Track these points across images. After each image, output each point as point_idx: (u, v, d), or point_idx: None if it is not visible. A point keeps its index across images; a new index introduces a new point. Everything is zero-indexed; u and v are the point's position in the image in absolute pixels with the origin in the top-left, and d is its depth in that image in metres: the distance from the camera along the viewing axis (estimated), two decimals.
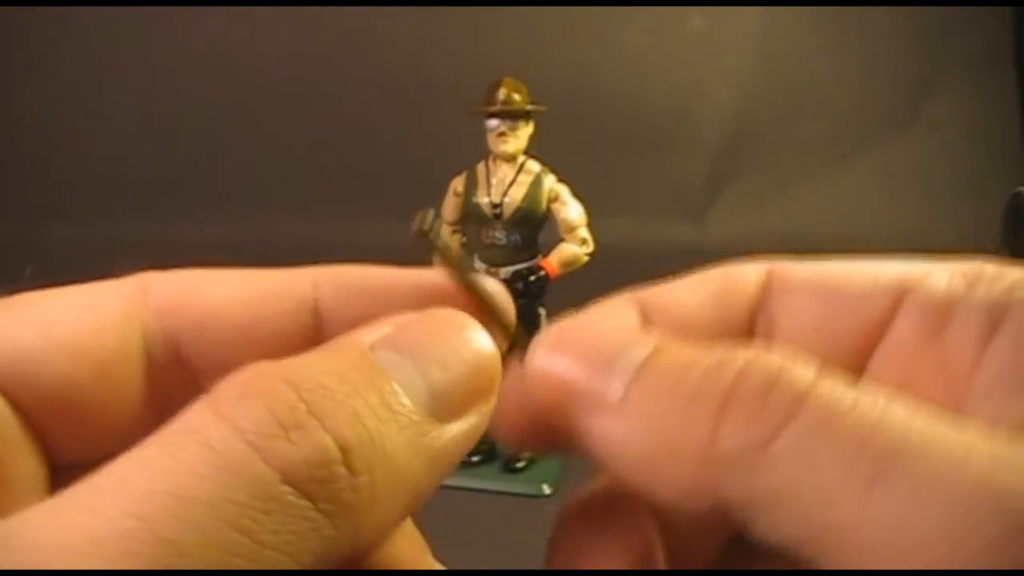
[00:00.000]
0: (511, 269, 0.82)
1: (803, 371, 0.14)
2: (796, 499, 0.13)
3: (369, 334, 0.16)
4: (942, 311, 0.17)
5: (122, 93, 1.51)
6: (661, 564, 0.18)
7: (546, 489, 0.81)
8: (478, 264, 0.83)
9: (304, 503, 0.13)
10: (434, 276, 0.19)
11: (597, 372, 0.16)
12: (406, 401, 0.15)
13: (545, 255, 0.81)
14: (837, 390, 0.14)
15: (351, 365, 0.15)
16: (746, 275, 0.20)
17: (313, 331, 0.18)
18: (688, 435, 0.15)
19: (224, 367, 0.16)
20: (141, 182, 1.49)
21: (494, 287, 0.19)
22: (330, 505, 0.13)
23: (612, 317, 0.20)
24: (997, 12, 1.47)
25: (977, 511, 0.12)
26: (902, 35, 1.48)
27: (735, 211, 1.48)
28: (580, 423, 0.16)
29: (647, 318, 0.20)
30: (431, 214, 0.18)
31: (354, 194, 1.42)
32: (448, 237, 0.18)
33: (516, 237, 0.81)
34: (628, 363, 0.16)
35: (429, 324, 0.16)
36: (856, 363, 0.19)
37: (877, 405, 0.14)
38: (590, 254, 0.81)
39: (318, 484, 0.13)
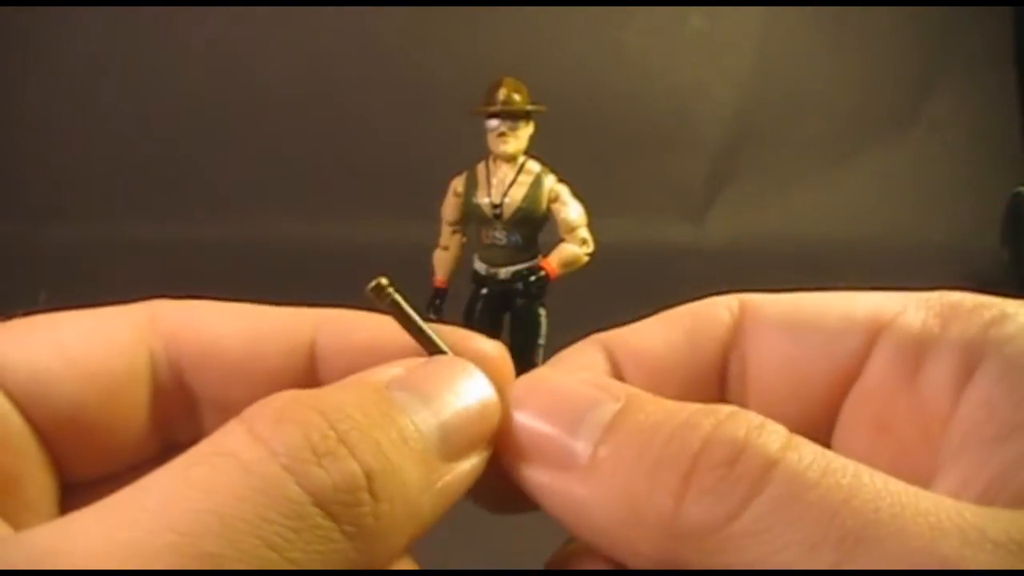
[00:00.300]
0: (511, 269, 0.82)
1: (770, 439, 0.14)
2: None
3: (382, 374, 0.17)
4: (917, 351, 0.17)
5: (122, 93, 1.51)
6: None
7: None
8: (479, 265, 0.83)
9: (331, 524, 0.14)
10: (447, 332, 0.19)
11: (565, 431, 0.16)
12: (420, 438, 0.16)
13: (545, 255, 0.81)
14: (804, 460, 0.14)
15: (371, 400, 0.16)
16: (717, 313, 0.20)
17: (309, 372, 0.19)
18: (652, 505, 0.14)
19: (223, 398, 0.18)
20: (141, 182, 1.49)
21: (460, 338, 0.19)
22: (353, 528, 0.14)
23: (582, 364, 0.20)
24: (997, 12, 1.47)
25: None
26: (902, 35, 1.48)
27: (735, 211, 1.48)
28: (547, 485, 0.16)
29: (616, 362, 0.20)
30: (384, 281, 0.18)
31: (354, 194, 1.42)
32: (402, 299, 0.18)
33: (516, 237, 0.81)
34: (596, 422, 0.16)
35: (438, 369, 0.17)
36: (830, 403, 0.18)
37: (846, 475, 0.13)
38: (590, 254, 0.81)
39: (345, 508, 0.14)
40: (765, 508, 0.13)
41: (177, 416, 0.19)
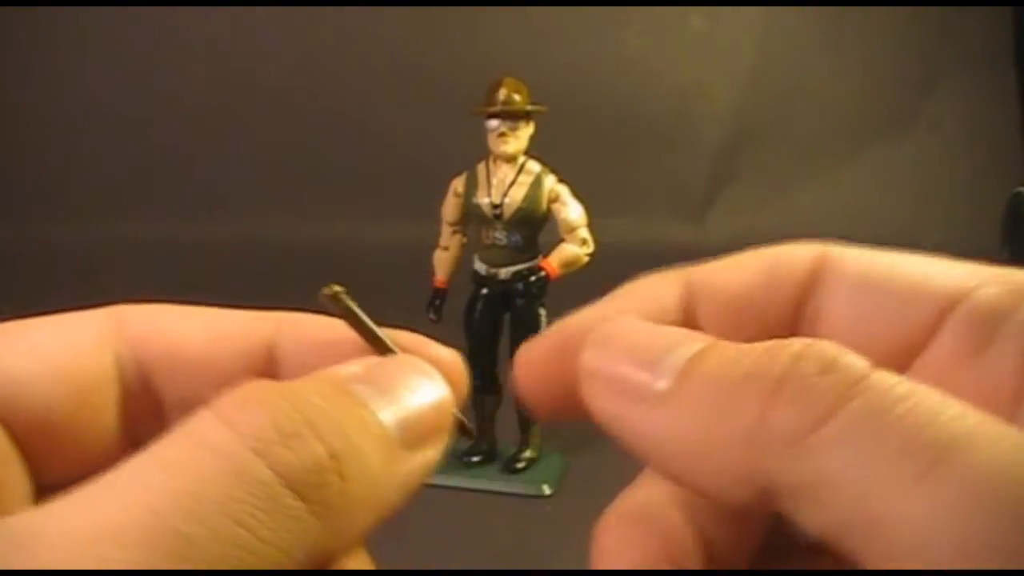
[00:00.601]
0: (511, 269, 0.82)
1: (858, 360, 0.14)
2: (841, 487, 0.13)
3: (342, 371, 0.18)
4: (987, 327, 0.17)
5: (121, 93, 1.51)
6: (694, 565, 0.18)
7: (546, 489, 0.81)
8: (479, 265, 0.83)
9: (299, 504, 0.14)
10: (400, 336, 0.20)
11: (645, 365, 0.16)
12: (380, 425, 0.16)
13: (545, 255, 0.81)
14: (893, 379, 0.14)
15: (332, 391, 0.16)
16: (797, 259, 0.20)
17: (267, 372, 0.20)
18: (737, 418, 0.14)
19: (188, 397, 0.19)
20: (141, 182, 1.49)
21: (415, 343, 0.20)
22: (321, 507, 0.14)
23: (654, 288, 0.20)
24: (997, 12, 1.47)
25: None
26: (902, 35, 1.48)
27: (735, 211, 1.48)
28: (624, 415, 0.16)
29: (692, 296, 0.20)
30: (337, 288, 0.19)
31: (354, 194, 1.42)
32: (354, 305, 0.19)
33: (516, 237, 0.81)
34: (679, 356, 0.16)
35: (395, 366, 0.18)
36: (897, 366, 0.18)
37: (933, 397, 0.14)
38: (590, 254, 0.81)
39: (313, 487, 0.14)
40: (853, 417, 0.14)
41: (145, 417, 0.20)
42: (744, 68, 1.48)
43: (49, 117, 1.51)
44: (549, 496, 0.81)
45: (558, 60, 1.39)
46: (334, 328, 0.20)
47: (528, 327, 0.81)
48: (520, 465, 0.83)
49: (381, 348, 0.19)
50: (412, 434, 0.17)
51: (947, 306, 0.18)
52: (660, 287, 0.20)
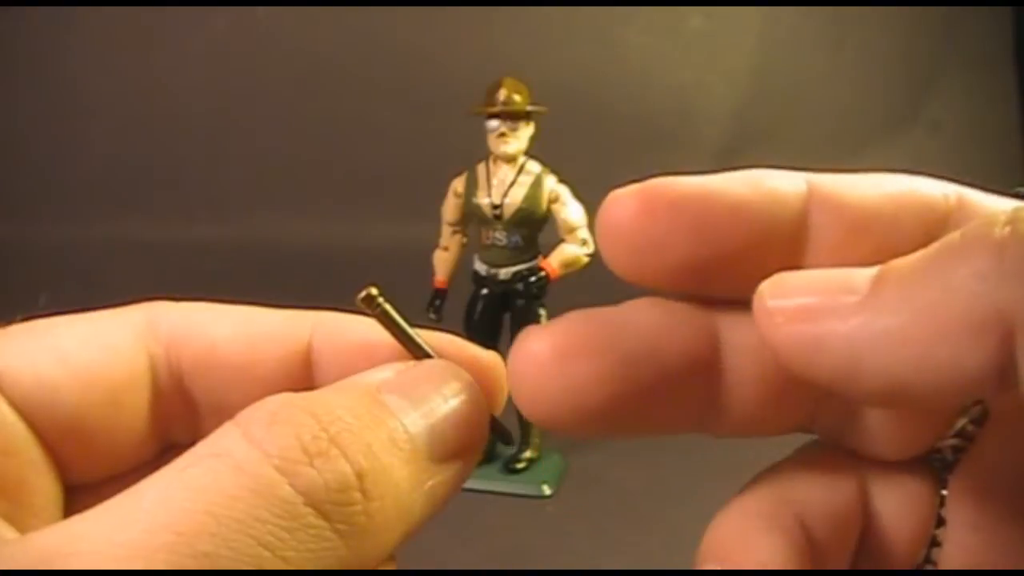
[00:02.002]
0: (511, 270, 0.82)
1: None
2: None
3: (373, 376, 0.17)
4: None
5: (121, 93, 1.51)
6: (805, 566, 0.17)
7: (546, 489, 0.81)
8: (479, 266, 0.83)
9: (323, 523, 0.14)
10: (438, 339, 0.20)
11: (833, 290, 0.15)
12: (408, 439, 0.16)
13: (545, 256, 0.81)
14: None
15: (362, 403, 0.16)
16: (933, 193, 0.18)
17: (304, 375, 0.20)
18: (960, 279, 0.13)
19: (221, 399, 0.19)
20: (140, 182, 1.49)
21: (453, 346, 0.19)
22: (345, 526, 0.14)
23: (780, 187, 0.18)
24: (997, 12, 1.47)
25: None
26: (902, 35, 1.48)
27: None
28: (815, 333, 0.14)
29: (813, 202, 0.18)
30: (374, 291, 0.19)
31: (354, 194, 1.42)
32: (392, 309, 0.19)
33: (516, 238, 0.81)
34: (864, 274, 0.14)
35: (428, 373, 0.18)
36: None
37: None
38: (590, 255, 0.81)
39: (337, 507, 0.14)
40: None
41: (177, 418, 0.19)
42: (744, 68, 1.48)
43: (49, 117, 1.51)
44: (549, 496, 0.81)
45: (558, 60, 1.39)
46: (370, 328, 0.19)
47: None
48: (520, 465, 0.83)
49: (417, 351, 0.19)
50: (443, 447, 0.17)
51: None
52: (788, 182, 0.18)
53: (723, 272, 0.17)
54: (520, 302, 0.82)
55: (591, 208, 0.81)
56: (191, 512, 0.13)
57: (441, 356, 0.19)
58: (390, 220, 1.33)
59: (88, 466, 0.18)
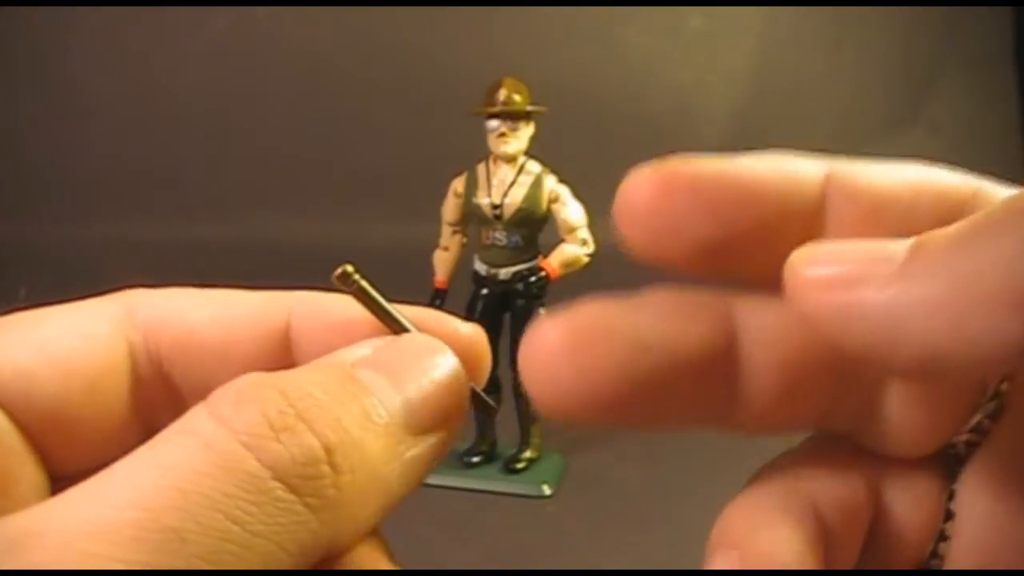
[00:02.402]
0: (511, 270, 0.82)
1: None
2: None
3: (350, 353, 0.17)
4: None
5: (121, 93, 1.51)
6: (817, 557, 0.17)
7: (546, 489, 0.81)
8: (479, 266, 0.83)
9: (291, 497, 0.14)
10: (421, 314, 0.19)
11: (868, 259, 0.14)
12: (383, 413, 0.16)
13: (545, 256, 0.81)
14: None
15: (335, 379, 0.16)
16: (952, 188, 0.18)
17: (285, 355, 0.20)
18: (999, 249, 0.13)
19: (202, 383, 0.18)
20: (140, 182, 1.49)
21: (433, 319, 0.19)
22: (315, 499, 0.14)
23: (799, 170, 0.17)
24: (997, 12, 1.47)
25: None
26: (902, 35, 1.48)
27: None
28: (849, 302, 0.14)
29: (830, 189, 0.17)
30: (350, 268, 0.19)
31: (354, 194, 1.42)
32: (367, 283, 0.19)
33: (516, 238, 0.81)
34: (899, 245, 0.14)
35: (405, 347, 0.18)
36: None
37: None
38: (591, 255, 0.81)
39: (305, 480, 0.14)
40: None
41: (160, 404, 0.19)
42: (744, 68, 1.48)
43: (49, 117, 1.51)
44: (549, 496, 0.81)
45: (558, 60, 1.39)
46: (349, 307, 0.19)
47: (528, 327, 0.81)
48: (520, 465, 0.83)
49: (396, 327, 0.19)
50: (420, 419, 0.17)
51: None
52: (806, 165, 0.18)
53: (742, 254, 0.16)
54: (520, 302, 0.82)
55: (591, 208, 0.81)
56: (159, 488, 0.13)
57: (421, 331, 0.19)
58: (390, 220, 1.33)
59: (71, 455, 0.18)
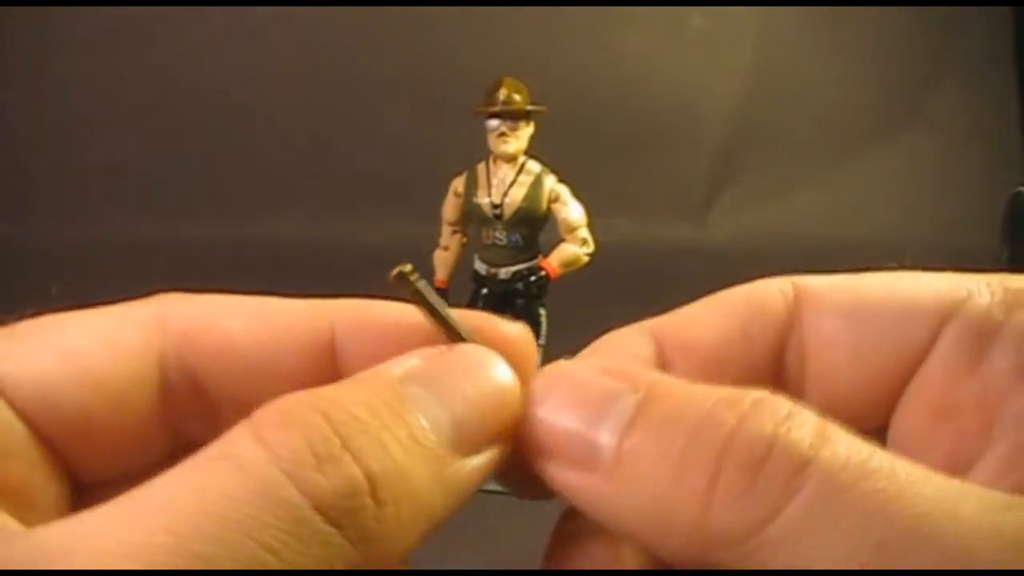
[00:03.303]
0: (511, 269, 0.82)
1: (800, 433, 0.14)
2: None
3: (398, 366, 0.17)
4: (982, 339, 0.17)
5: (122, 93, 1.50)
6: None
7: None
8: (479, 265, 0.83)
9: (331, 529, 0.14)
10: (471, 317, 0.19)
11: (587, 427, 0.16)
12: (432, 436, 0.15)
13: (545, 255, 0.81)
14: (838, 459, 0.13)
15: (382, 398, 0.15)
16: (770, 298, 0.19)
17: (329, 365, 0.19)
18: (680, 509, 0.14)
19: (240, 396, 0.18)
20: (140, 182, 1.49)
21: (482, 322, 0.19)
22: (356, 532, 0.14)
23: (626, 351, 0.19)
24: (997, 12, 1.47)
25: None
26: (902, 35, 1.48)
27: (735, 211, 1.48)
28: (573, 484, 0.16)
29: (664, 351, 0.19)
30: (408, 268, 0.18)
31: (354, 194, 1.42)
32: (424, 286, 0.18)
33: (516, 237, 0.81)
34: (617, 416, 0.15)
35: (456, 359, 0.17)
36: (892, 390, 0.18)
37: (882, 475, 0.13)
38: (590, 254, 0.81)
39: (346, 513, 0.14)
40: (798, 514, 0.13)
41: (190, 414, 0.19)
42: (744, 68, 1.48)
43: (49, 117, 1.51)
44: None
45: (558, 60, 1.39)
46: (396, 314, 0.19)
47: (529, 327, 0.81)
48: None
49: (449, 331, 0.18)
50: (469, 438, 0.16)
51: (939, 321, 0.17)
52: (632, 342, 0.19)
53: None
54: (520, 301, 0.82)
55: (591, 208, 0.81)
56: (192, 514, 0.13)
57: (472, 335, 0.18)
58: (390, 220, 1.33)
59: (97, 465, 0.18)
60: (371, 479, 0.14)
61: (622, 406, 0.16)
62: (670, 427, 0.15)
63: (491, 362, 0.17)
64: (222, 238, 1.41)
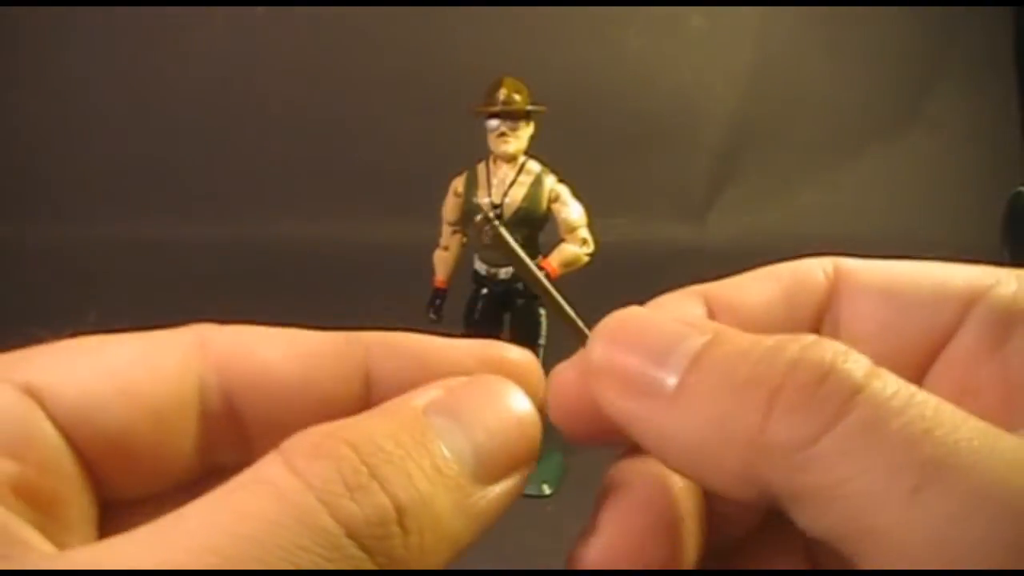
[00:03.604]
0: (511, 269, 0.82)
1: (855, 366, 0.15)
2: (841, 498, 0.14)
3: (421, 397, 0.17)
4: (1006, 322, 0.18)
5: (121, 93, 1.51)
6: (690, 535, 0.19)
7: (546, 489, 0.81)
8: (479, 265, 0.83)
9: (362, 555, 0.14)
10: (481, 346, 0.20)
11: (653, 362, 0.17)
12: (454, 465, 0.16)
13: (545, 255, 0.81)
14: (888, 389, 0.14)
15: (406, 429, 0.16)
16: (814, 274, 0.20)
17: (362, 396, 0.20)
18: (740, 422, 0.15)
19: (275, 422, 0.19)
20: (140, 182, 1.49)
21: (491, 350, 0.20)
22: (385, 559, 0.14)
23: (676, 307, 0.20)
24: (997, 12, 1.47)
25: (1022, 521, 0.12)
26: (902, 35, 1.48)
27: (735, 211, 1.48)
28: (635, 413, 0.17)
29: (713, 313, 0.20)
30: (491, 215, 0.20)
31: (354, 194, 1.42)
32: (505, 233, 0.20)
33: (516, 237, 0.81)
34: (684, 353, 0.16)
35: (477, 390, 0.18)
36: (919, 370, 0.19)
37: (928, 408, 0.14)
38: (590, 254, 0.81)
39: (376, 540, 0.14)
40: (849, 431, 0.14)
41: (224, 441, 0.19)
42: (744, 68, 1.48)
43: (48, 117, 1.51)
44: (549, 496, 0.81)
45: (558, 60, 1.39)
46: (429, 348, 0.20)
47: (528, 327, 0.81)
48: None
49: (528, 275, 0.20)
50: (492, 466, 0.17)
51: (966, 305, 0.18)
52: (685, 304, 0.20)
53: None
54: (520, 301, 0.82)
55: (591, 208, 0.81)
56: (235, 537, 0.13)
57: (488, 348, 0.19)
58: (390, 220, 1.33)
59: (129, 484, 0.18)
60: (399, 508, 0.15)
61: (689, 344, 0.16)
62: (736, 356, 0.16)
63: (510, 392, 0.18)
64: (222, 238, 1.41)
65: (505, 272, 0.82)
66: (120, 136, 1.51)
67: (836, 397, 0.14)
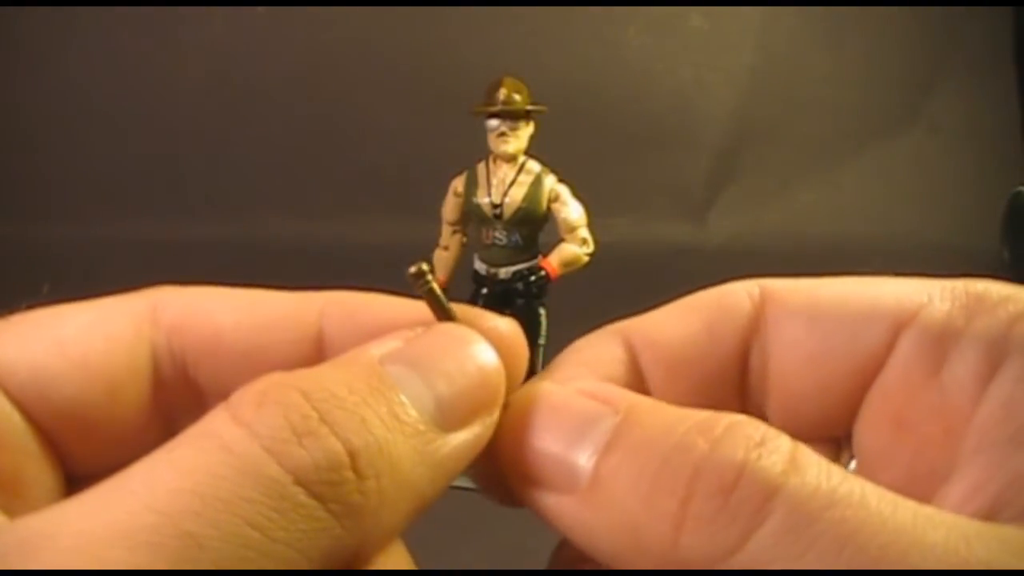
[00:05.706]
0: (511, 269, 0.82)
1: (769, 461, 0.14)
2: None
3: (379, 347, 0.17)
4: (941, 345, 0.17)
5: (121, 93, 1.50)
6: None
7: None
8: (479, 265, 0.83)
9: (314, 503, 0.14)
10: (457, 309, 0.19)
11: (565, 451, 0.16)
12: (412, 412, 0.15)
13: (545, 255, 0.81)
14: (807, 487, 0.13)
15: (361, 377, 0.16)
16: (737, 301, 0.19)
17: (316, 357, 0.19)
18: (652, 533, 0.14)
19: (229, 386, 0.18)
20: (140, 182, 1.49)
21: (471, 315, 0.19)
22: (338, 506, 0.14)
23: (598, 356, 0.19)
24: (997, 12, 1.47)
25: None
26: (902, 35, 1.48)
27: (735, 211, 1.48)
28: (550, 508, 0.16)
29: (634, 353, 0.19)
30: (426, 265, 0.18)
31: (354, 194, 1.42)
32: (437, 286, 0.19)
33: (516, 237, 0.81)
34: (595, 440, 0.16)
35: (436, 339, 0.17)
36: (853, 396, 0.18)
37: (851, 503, 0.13)
38: (590, 254, 0.81)
39: (328, 486, 0.14)
40: (767, 541, 0.13)
41: (181, 406, 0.19)
42: (744, 68, 1.48)
43: (49, 117, 1.51)
44: None
45: (558, 60, 1.39)
46: (381, 305, 0.19)
47: (528, 327, 0.81)
48: None
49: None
50: (454, 414, 0.16)
51: (899, 326, 0.17)
52: (603, 347, 0.20)
53: None
54: (520, 301, 0.82)
55: (591, 208, 0.81)
56: (176, 492, 0.13)
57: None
58: (390, 220, 1.33)
59: (89, 456, 0.18)
60: (351, 452, 0.14)
61: (601, 428, 0.16)
62: (645, 450, 0.15)
63: (472, 340, 0.17)
64: (222, 238, 1.41)
65: (505, 272, 0.82)
66: (120, 136, 1.51)
67: (751, 502, 0.13)
